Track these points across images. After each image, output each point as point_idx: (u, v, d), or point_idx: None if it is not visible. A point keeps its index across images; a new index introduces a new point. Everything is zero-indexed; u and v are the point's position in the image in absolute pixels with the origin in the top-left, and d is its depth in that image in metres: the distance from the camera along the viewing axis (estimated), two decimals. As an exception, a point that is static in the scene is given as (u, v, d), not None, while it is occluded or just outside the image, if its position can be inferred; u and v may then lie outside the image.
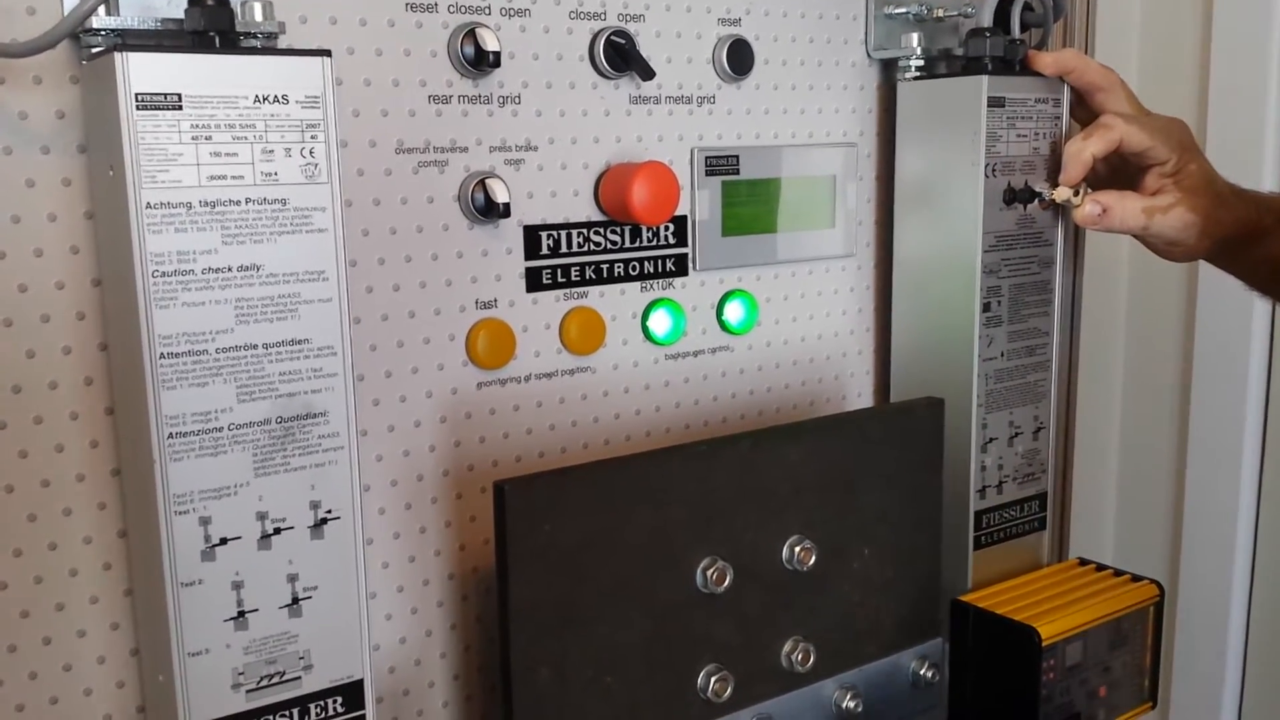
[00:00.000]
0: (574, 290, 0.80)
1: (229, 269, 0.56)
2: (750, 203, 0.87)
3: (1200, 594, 1.19)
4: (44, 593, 0.63)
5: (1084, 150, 0.83)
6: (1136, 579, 0.92)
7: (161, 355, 0.55)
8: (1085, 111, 0.89)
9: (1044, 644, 0.83)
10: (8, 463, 0.61)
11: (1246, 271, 0.89)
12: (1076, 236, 0.93)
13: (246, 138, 0.56)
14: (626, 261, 0.82)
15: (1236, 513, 1.16)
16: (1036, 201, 0.89)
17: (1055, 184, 0.88)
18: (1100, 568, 0.94)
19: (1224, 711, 1.19)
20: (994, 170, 0.87)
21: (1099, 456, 1.22)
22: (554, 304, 0.79)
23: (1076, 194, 0.86)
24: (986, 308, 0.88)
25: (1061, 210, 0.91)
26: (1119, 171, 0.87)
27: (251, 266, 0.57)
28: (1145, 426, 1.25)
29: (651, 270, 0.83)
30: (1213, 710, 1.19)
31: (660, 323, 0.84)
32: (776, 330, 0.91)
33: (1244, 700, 1.20)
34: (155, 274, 0.54)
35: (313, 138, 0.58)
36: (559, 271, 0.79)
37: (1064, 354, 0.94)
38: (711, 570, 0.71)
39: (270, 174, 0.56)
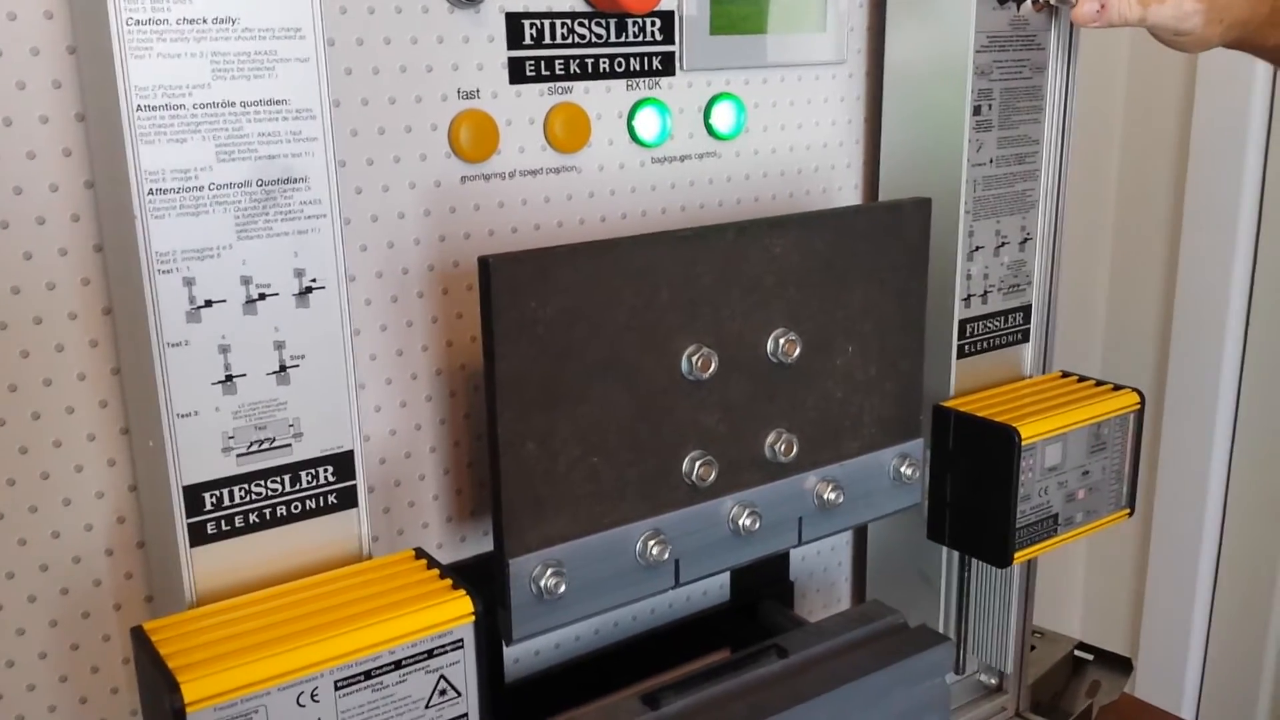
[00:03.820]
0: (558, 85, 0.79)
1: (204, 20, 0.55)
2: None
3: (1186, 408, 1.21)
4: (40, 429, 0.64)
5: None
6: (1118, 388, 0.93)
7: (139, 108, 0.54)
8: None
9: (1023, 443, 0.84)
10: (0, 299, 0.61)
11: (1270, 56, 0.88)
12: (1070, 41, 0.92)
13: (216, -117, 0.54)
14: (612, 57, 0.80)
15: (1224, 328, 1.17)
16: (1030, 2, 0.87)
17: (1051, -16, 0.86)
18: (1082, 379, 0.96)
19: (1206, 522, 1.22)
20: (988, -33, 0.85)
21: (1089, 273, 1.23)
22: (538, 98, 0.78)
23: (1072, -8, 0.84)
24: (977, 111, 0.87)
25: (1055, 13, 0.89)
26: None
27: (226, 19, 0.56)
28: (1136, 247, 1.25)
29: (638, 68, 0.82)
30: (1196, 519, 1.22)
31: (647, 123, 0.83)
32: (765, 138, 0.90)
33: (1227, 511, 1.23)
34: (129, 22, 0.53)
35: (285, -113, 0.56)
36: (543, 64, 0.77)
37: (1054, 164, 0.94)
38: (697, 356, 0.72)
39: (242, -81, 0.55)
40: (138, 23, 0.54)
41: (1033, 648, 1.17)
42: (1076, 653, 1.23)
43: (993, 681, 1.09)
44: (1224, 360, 1.20)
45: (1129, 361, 1.28)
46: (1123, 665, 1.22)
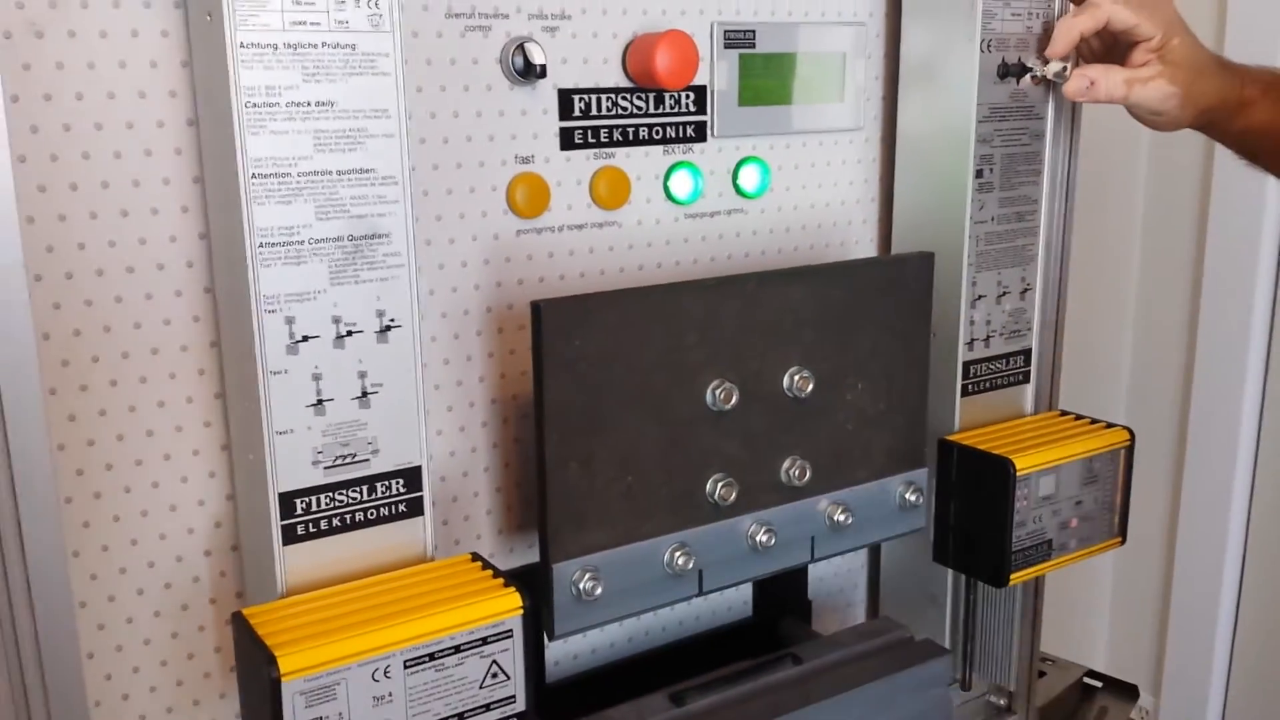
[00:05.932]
0: (603, 150, 0.89)
1: (308, 104, 0.66)
2: (765, 75, 0.95)
3: (1208, 447, 1.27)
4: (153, 444, 0.75)
5: (1073, 27, 0.91)
6: (1110, 426, 1.01)
7: (253, 176, 0.65)
8: None
9: (1018, 473, 0.93)
10: (125, 332, 0.72)
11: (1233, 141, 0.97)
12: (1073, 112, 1.01)
13: (322, -10, 0.66)
14: (651, 126, 0.91)
15: (1245, 369, 1.24)
16: (1029, 77, 0.96)
17: (1046, 60, 0.96)
18: (1079, 417, 1.04)
19: (1227, 563, 1.29)
20: (989, 46, 0.95)
21: (1112, 324, 1.31)
22: (585, 162, 0.89)
23: (1065, 69, 0.94)
24: (979, 174, 0.97)
25: (1051, 86, 0.99)
26: (1112, 49, 0.95)
27: (327, 102, 0.67)
28: (1159, 298, 1.33)
29: (673, 135, 0.92)
30: (1216, 558, 1.29)
31: (680, 184, 0.93)
32: (788, 196, 1.00)
33: (1247, 549, 1.29)
34: (248, 105, 0.64)
35: (377, -8, 0.67)
36: (589, 132, 0.88)
37: (1054, 221, 1.03)
38: (720, 390, 0.81)
39: (342, 21, 0.66)
40: (254, 105, 0.65)
41: (1043, 674, 1.24)
42: (1086, 679, 1.30)
43: (1002, 702, 1.17)
44: (1245, 401, 1.27)
45: (1152, 402, 1.36)
46: (1129, 692, 1.29)
